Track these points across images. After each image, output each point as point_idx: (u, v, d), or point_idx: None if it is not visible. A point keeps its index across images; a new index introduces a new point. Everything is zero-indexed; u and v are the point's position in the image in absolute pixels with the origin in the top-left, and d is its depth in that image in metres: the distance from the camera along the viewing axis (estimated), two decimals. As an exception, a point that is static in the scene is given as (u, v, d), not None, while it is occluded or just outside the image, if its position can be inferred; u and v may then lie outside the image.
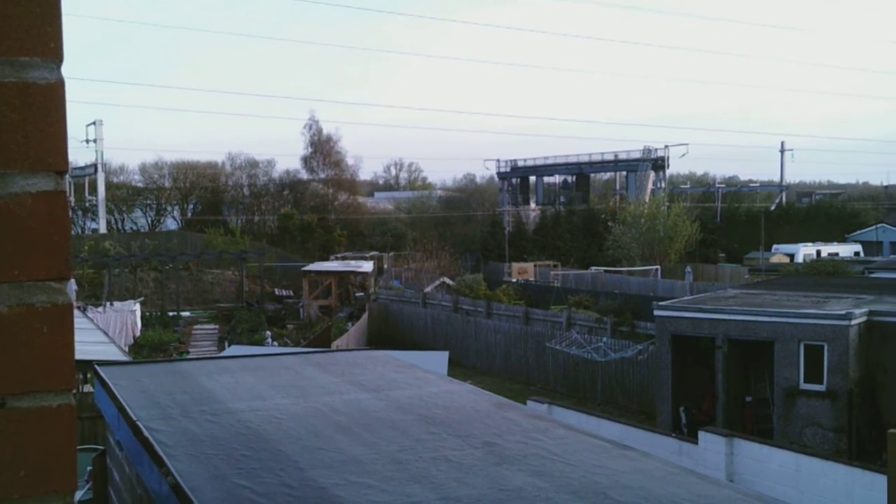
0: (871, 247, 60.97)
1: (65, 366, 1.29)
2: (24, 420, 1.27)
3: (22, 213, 1.26)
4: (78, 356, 15.86)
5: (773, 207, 79.68)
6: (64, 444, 1.29)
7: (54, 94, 1.28)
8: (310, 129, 74.04)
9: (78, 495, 11.39)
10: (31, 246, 1.26)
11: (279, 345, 35.20)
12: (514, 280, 53.72)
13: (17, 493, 1.26)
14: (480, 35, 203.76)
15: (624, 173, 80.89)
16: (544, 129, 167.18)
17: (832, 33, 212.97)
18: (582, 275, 55.15)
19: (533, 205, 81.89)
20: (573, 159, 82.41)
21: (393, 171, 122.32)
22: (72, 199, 64.43)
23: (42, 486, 1.28)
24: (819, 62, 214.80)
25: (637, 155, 77.18)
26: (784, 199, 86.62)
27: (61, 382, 1.28)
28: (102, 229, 64.12)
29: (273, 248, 61.35)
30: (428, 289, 48.08)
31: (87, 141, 64.58)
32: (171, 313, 45.86)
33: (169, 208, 75.09)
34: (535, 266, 58.03)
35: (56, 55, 1.28)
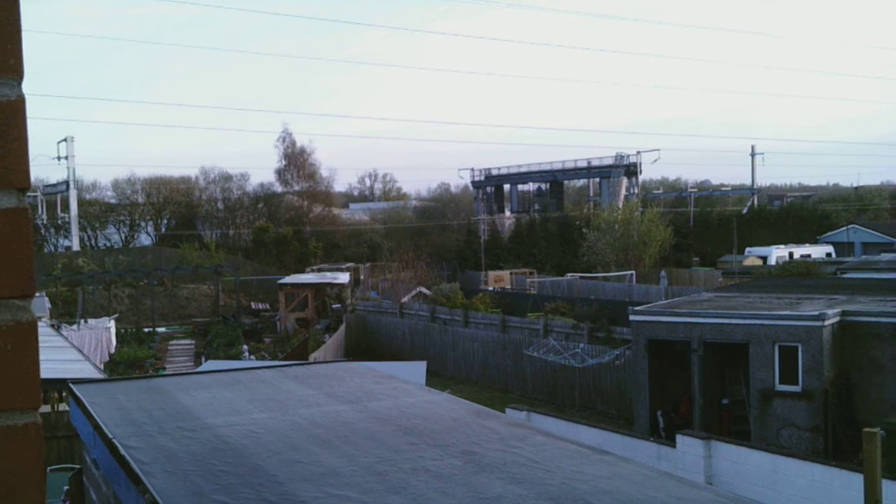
0: (842, 248, 61.52)
1: (30, 384, 1.27)
2: (-11, 439, 1.25)
3: (-16, 231, 1.25)
4: (52, 374, 15.61)
5: (745, 211, 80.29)
6: (31, 463, 1.27)
7: (15, 111, 1.27)
8: (283, 141, 73.89)
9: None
10: (-7, 264, 1.25)
11: (256, 358, 34.99)
12: (490, 288, 53.78)
13: (-16, 512, 1.24)
14: (453, 45, 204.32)
15: (597, 180, 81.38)
16: (518, 138, 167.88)
17: (800, 37, 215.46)
18: (558, 281, 55.30)
19: (508, 213, 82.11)
20: (547, 167, 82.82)
21: (367, 183, 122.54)
22: (44, 216, 63.84)
23: (10, 506, 1.26)
24: (788, 66, 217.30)
25: (610, 161, 77.70)
26: (756, 202, 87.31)
27: (27, 401, 1.27)
28: (75, 246, 63.51)
29: (248, 261, 61.08)
30: (405, 299, 48.02)
31: (59, 158, 63.89)
32: (146, 329, 45.50)
33: (142, 224, 74.49)
34: (511, 274, 58.16)
35: (16, 72, 1.26)
